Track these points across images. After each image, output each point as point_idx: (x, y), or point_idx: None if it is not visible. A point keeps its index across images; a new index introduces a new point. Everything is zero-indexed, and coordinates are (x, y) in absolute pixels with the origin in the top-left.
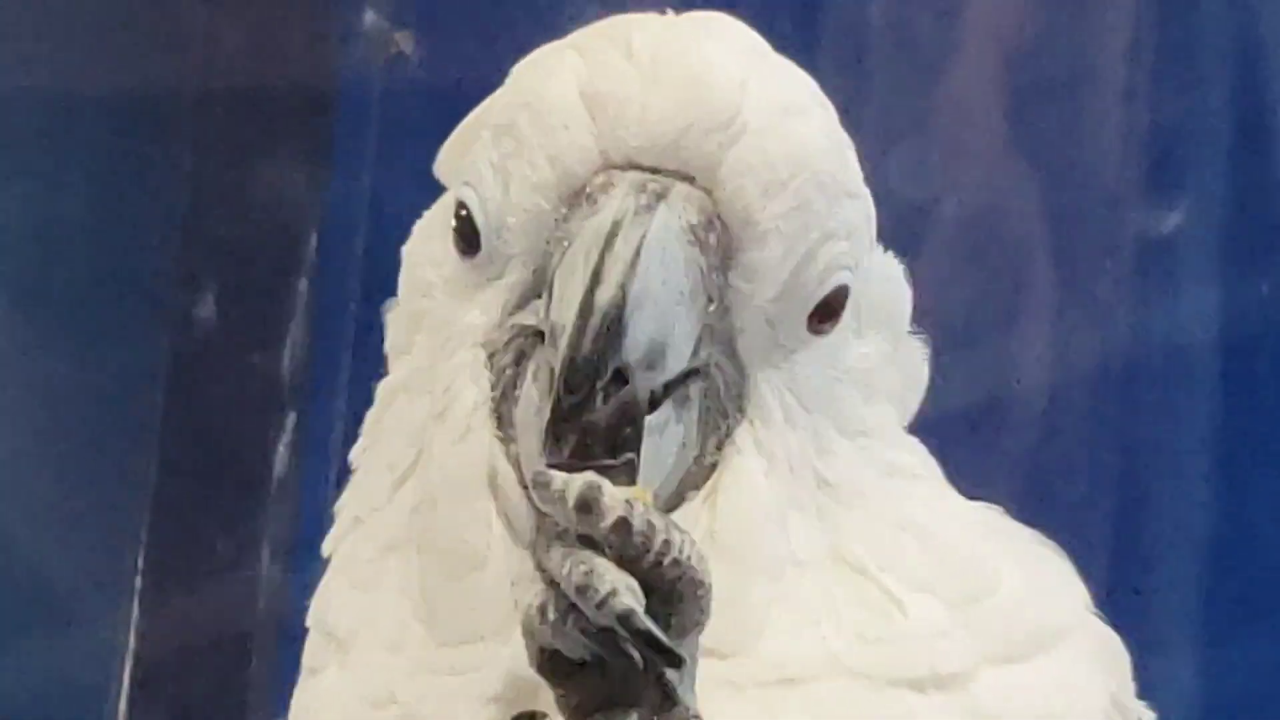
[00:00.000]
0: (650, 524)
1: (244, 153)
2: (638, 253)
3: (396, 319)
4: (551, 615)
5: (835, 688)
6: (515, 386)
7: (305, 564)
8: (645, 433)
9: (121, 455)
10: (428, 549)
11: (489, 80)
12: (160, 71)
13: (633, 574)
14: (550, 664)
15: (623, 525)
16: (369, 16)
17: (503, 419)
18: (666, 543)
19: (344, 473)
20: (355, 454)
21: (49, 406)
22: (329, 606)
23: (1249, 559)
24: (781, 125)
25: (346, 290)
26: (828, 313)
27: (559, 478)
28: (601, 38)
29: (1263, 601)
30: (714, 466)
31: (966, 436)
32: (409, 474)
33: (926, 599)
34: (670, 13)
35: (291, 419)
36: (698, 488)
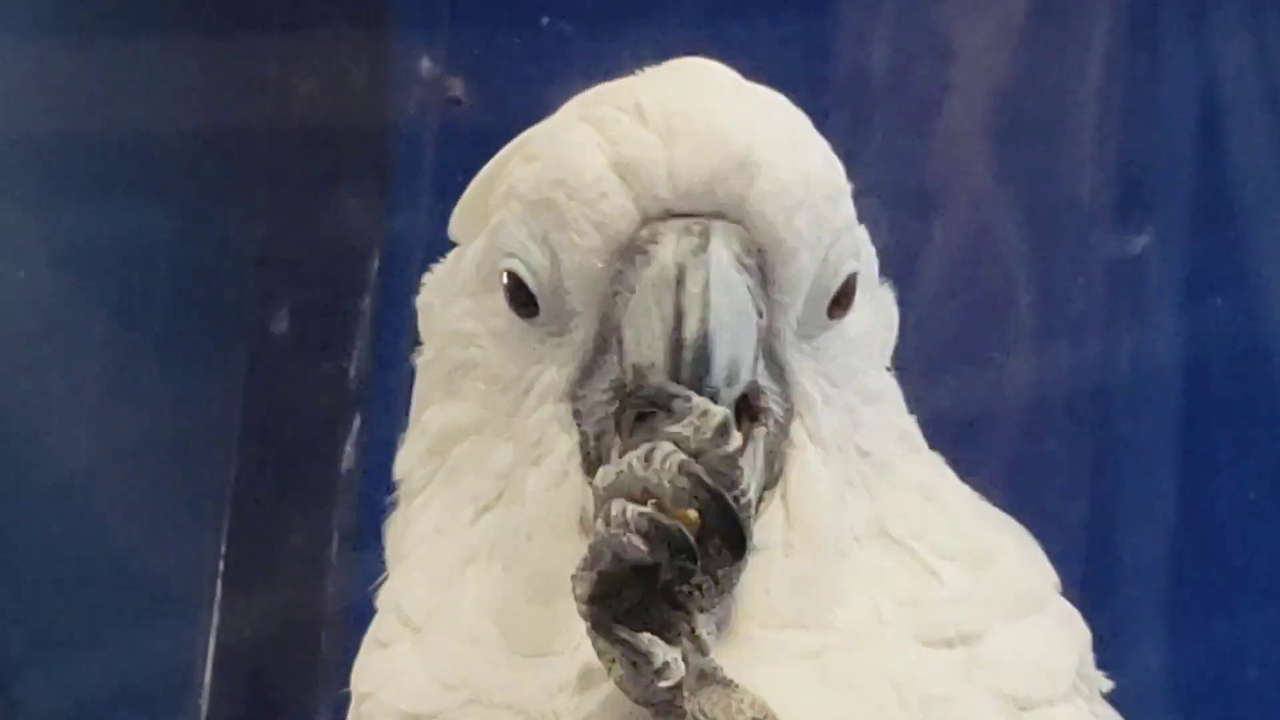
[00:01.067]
0: (739, 452)
1: (314, 186)
2: (706, 287)
3: (431, 365)
4: (628, 514)
5: (880, 650)
6: (606, 444)
7: (369, 551)
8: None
9: (206, 456)
10: (517, 573)
11: (530, 120)
12: (241, 116)
13: (716, 503)
14: (595, 599)
15: (726, 428)
16: (425, 64)
17: (589, 468)
18: (742, 477)
19: None
20: (405, 467)
21: (141, 413)
22: (405, 595)
23: (1207, 553)
24: (789, 155)
25: (405, 308)
26: (845, 301)
27: (694, 397)
28: (610, 106)
29: (1220, 590)
30: (779, 466)
31: (955, 442)
32: (492, 505)
33: (952, 567)
34: (652, 66)
35: (357, 421)
36: (770, 487)
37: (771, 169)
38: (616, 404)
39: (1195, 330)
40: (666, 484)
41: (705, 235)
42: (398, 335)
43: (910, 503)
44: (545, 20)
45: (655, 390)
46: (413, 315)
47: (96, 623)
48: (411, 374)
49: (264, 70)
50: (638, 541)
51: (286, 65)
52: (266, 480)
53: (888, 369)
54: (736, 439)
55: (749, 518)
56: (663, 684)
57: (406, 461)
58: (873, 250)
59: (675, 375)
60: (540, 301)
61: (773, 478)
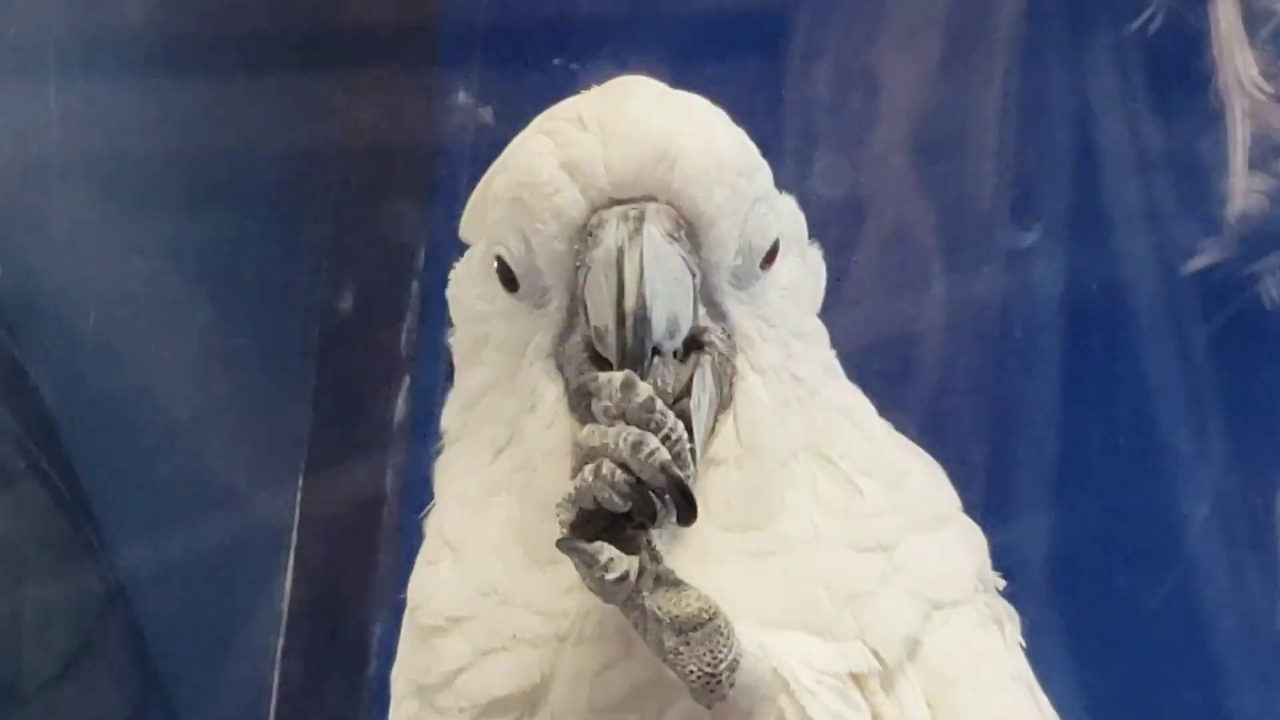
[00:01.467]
0: (665, 411)
1: (373, 194)
2: (641, 264)
3: (460, 341)
4: (609, 474)
5: (810, 552)
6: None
7: (415, 487)
8: (694, 376)
9: (286, 410)
10: (528, 498)
11: None
12: (314, 138)
13: (671, 481)
14: (578, 526)
15: (650, 402)
16: (461, 96)
17: (574, 407)
18: (674, 423)
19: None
20: (447, 421)
21: (234, 375)
22: (445, 522)
23: (1084, 477)
24: (701, 141)
25: (444, 287)
26: (771, 255)
27: (605, 375)
28: (559, 120)
29: (1093, 484)
30: (728, 393)
31: (877, 377)
32: (505, 447)
33: (872, 484)
34: (597, 86)
35: (406, 382)
36: (724, 410)
37: (687, 156)
38: (587, 355)
39: (1071, 302)
40: (643, 466)
41: (640, 218)
42: (439, 314)
43: (837, 423)
44: (557, 61)
45: (580, 383)
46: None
47: (192, 554)
48: (447, 347)
49: (333, 101)
50: (617, 497)
51: (351, 97)
52: (334, 429)
53: (817, 315)
54: (644, 388)
55: (680, 455)
56: (609, 578)
57: (447, 417)
58: (801, 215)
59: (622, 337)
60: (521, 281)
61: (724, 400)
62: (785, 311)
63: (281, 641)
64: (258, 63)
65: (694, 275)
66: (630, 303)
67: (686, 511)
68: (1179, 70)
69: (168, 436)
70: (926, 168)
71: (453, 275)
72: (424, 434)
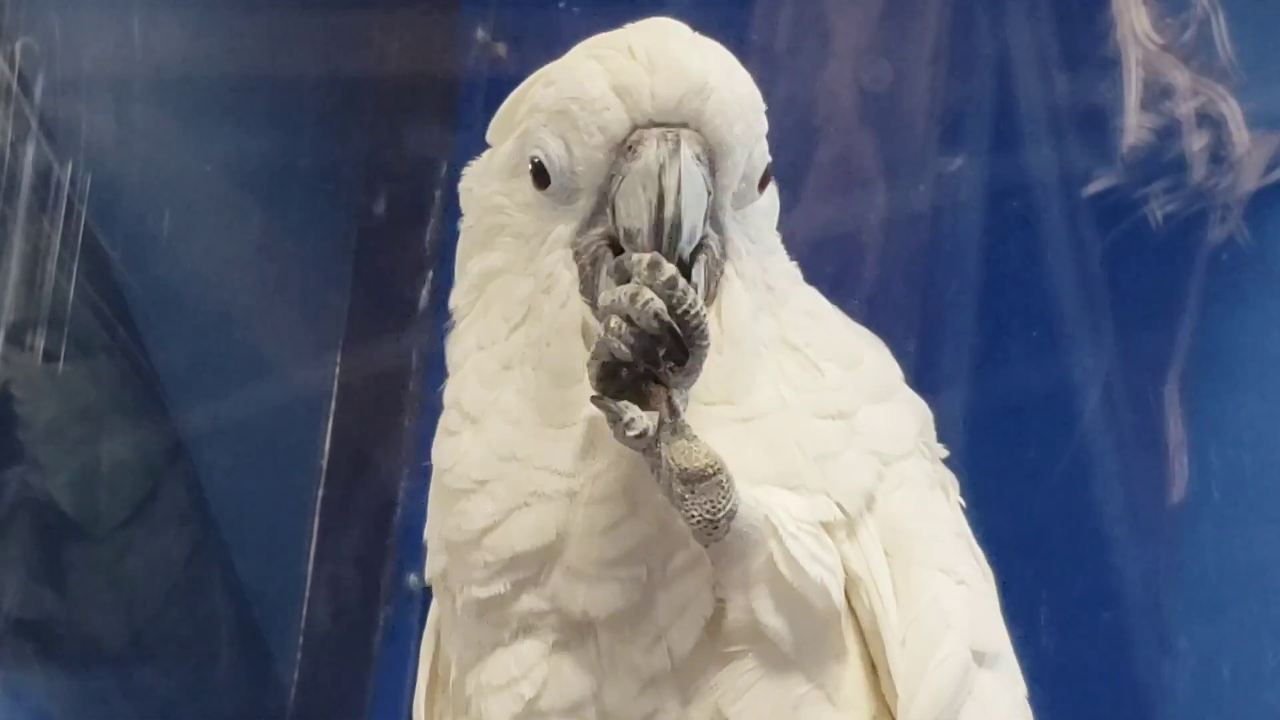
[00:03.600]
0: (687, 288)
1: (403, 114)
2: (678, 182)
3: (471, 229)
4: (616, 327)
5: (784, 419)
6: (595, 274)
7: (437, 364)
8: (692, 273)
9: (329, 295)
10: (542, 369)
11: None
12: (354, 66)
13: (671, 317)
14: (603, 380)
15: (674, 280)
16: (480, 33)
17: (585, 291)
18: (694, 301)
19: None
20: (455, 300)
21: (286, 267)
22: (462, 394)
23: (999, 364)
24: (729, 83)
25: None
26: (764, 182)
27: (636, 255)
28: (609, 49)
29: (1006, 369)
30: (715, 291)
31: (828, 276)
32: (521, 324)
33: (831, 366)
34: (639, 22)
35: (430, 274)
36: (709, 304)
37: (719, 93)
38: (600, 246)
39: (991, 220)
40: (640, 314)
41: (677, 141)
42: (456, 216)
43: (802, 321)
44: (562, 4)
45: (620, 260)
46: None
47: (244, 418)
48: None
49: (369, 35)
50: (624, 346)
51: (386, 32)
52: (368, 313)
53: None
54: (668, 267)
55: (699, 327)
56: (630, 434)
57: (455, 298)
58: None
59: (657, 238)
60: (554, 180)
61: (710, 297)
62: (763, 231)
63: (321, 492)
64: (306, 3)
65: (709, 194)
66: (669, 211)
67: (680, 355)
68: (1083, 23)
69: (225, 317)
70: (869, 102)
71: (467, 172)
72: (444, 318)
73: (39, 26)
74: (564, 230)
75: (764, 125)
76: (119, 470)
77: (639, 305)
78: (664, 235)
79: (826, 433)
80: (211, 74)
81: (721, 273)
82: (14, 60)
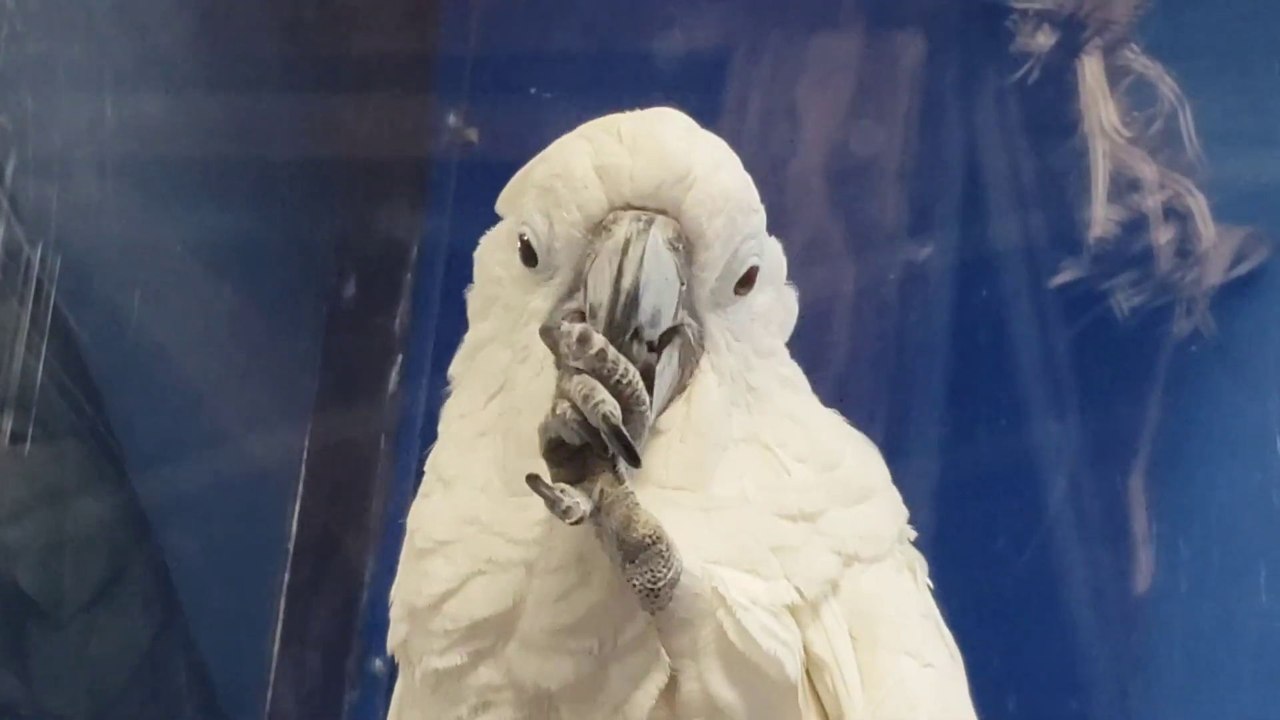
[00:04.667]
0: (618, 359)
1: (374, 198)
2: (642, 257)
3: (475, 296)
4: (564, 414)
5: (743, 513)
6: None
7: (405, 441)
8: (661, 360)
9: (296, 379)
10: (511, 438)
11: (520, 158)
12: (325, 148)
13: (606, 388)
14: (551, 451)
15: (602, 353)
16: (451, 118)
17: (558, 365)
18: (626, 370)
19: (431, 391)
20: (454, 368)
21: (252, 350)
22: (439, 459)
23: (965, 453)
24: (715, 175)
25: (434, 279)
26: (746, 283)
27: (569, 325)
28: (600, 130)
29: (972, 459)
30: (688, 382)
31: (799, 351)
32: (497, 394)
33: (802, 468)
34: (638, 110)
35: (399, 357)
36: (680, 392)
37: (702, 184)
38: (573, 318)
39: (959, 309)
40: (590, 413)
41: (649, 222)
42: (429, 302)
43: (781, 423)
44: (533, 90)
45: (549, 324)
46: (438, 288)
47: (212, 500)
48: (437, 328)
49: (342, 119)
50: (570, 431)
51: (358, 116)
52: (337, 394)
53: (786, 344)
54: (598, 340)
55: (634, 395)
56: (567, 520)
57: (455, 364)
58: (783, 258)
59: (612, 312)
60: (539, 256)
61: (681, 386)
62: (753, 332)
63: (287, 575)
64: (278, 84)
65: (682, 284)
66: (626, 282)
67: (626, 455)
68: (1052, 115)
69: (194, 398)
70: (839, 190)
71: (482, 241)
72: (413, 403)
73: (11, 105)
74: (541, 304)
75: (754, 225)
76: (84, 552)
77: (590, 405)
78: (618, 306)
79: (787, 530)
80: (183, 154)
81: (697, 364)
82: None
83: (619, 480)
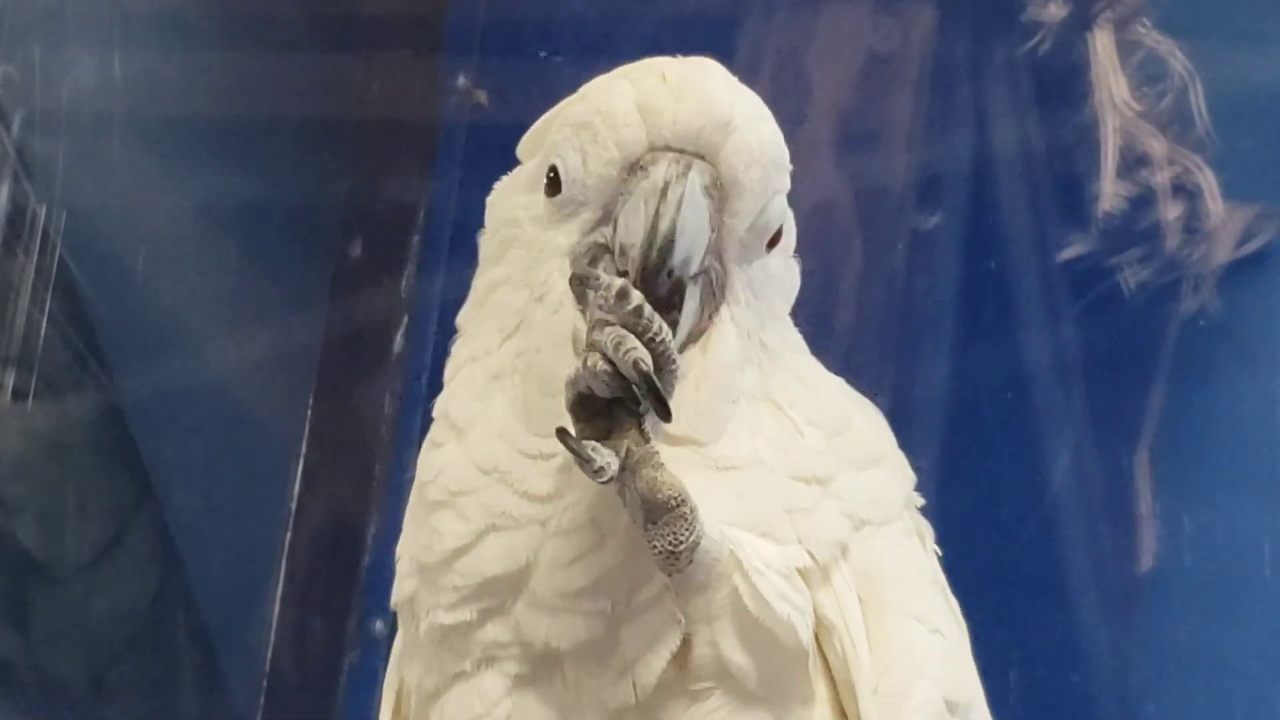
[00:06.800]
0: (653, 316)
1: (383, 159)
2: (680, 201)
3: (488, 241)
4: (595, 365)
5: (757, 474)
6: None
7: (412, 398)
8: (685, 300)
9: (302, 339)
10: (530, 377)
11: (528, 119)
12: (336, 110)
13: (642, 377)
14: (578, 405)
15: (640, 308)
16: (461, 80)
17: (577, 299)
18: (660, 328)
19: (437, 353)
20: (461, 318)
21: (263, 308)
22: (450, 405)
23: (971, 424)
24: (755, 126)
25: (441, 241)
26: (775, 239)
27: (608, 278)
28: (644, 71)
29: (978, 430)
30: (706, 329)
31: (803, 331)
32: (513, 334)
33: (813, 430)
34: (679, 57)
35: (405, 319)
36: (696, 341)
37: (741, 133)
38: (595, 249)
39: (966, 280)
40: (621, 361)
41: (688, 166)
42: (436, 263)
43: (792, 384)
44: (543, 54)
45: (584, 272)
46: (446, 246)
47: (214, 460)
48: (443, 290)
49: (353, 80)
50: (600, 384)
51: (369, 78)
52: (342, 356)
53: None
54: (636, 296)
55: (666, 353)
56: (598, 478)
57: (462, 314)
58: (794, 229)
59: (648, 254)
60: (565, 189)
61: (700, 331)
62: (769, 293)
63: (289, 536)
64: (290, 45)
65: (713, 231)
66: (664, 225)
67: (658, 405)
68: (1062, 88)
69: (198, 358)
70: (849, 160)
71: (497, 186)
72: (419, 365)
73: (18, 57)
74: (562, 240)
75: (785, 183)
76: (85, 510)
77: (621, 353)
78: (654, 248)
79: (800, 492)
80: (191, 113)
81: (717, 312)
82: None
83: (645, 438)
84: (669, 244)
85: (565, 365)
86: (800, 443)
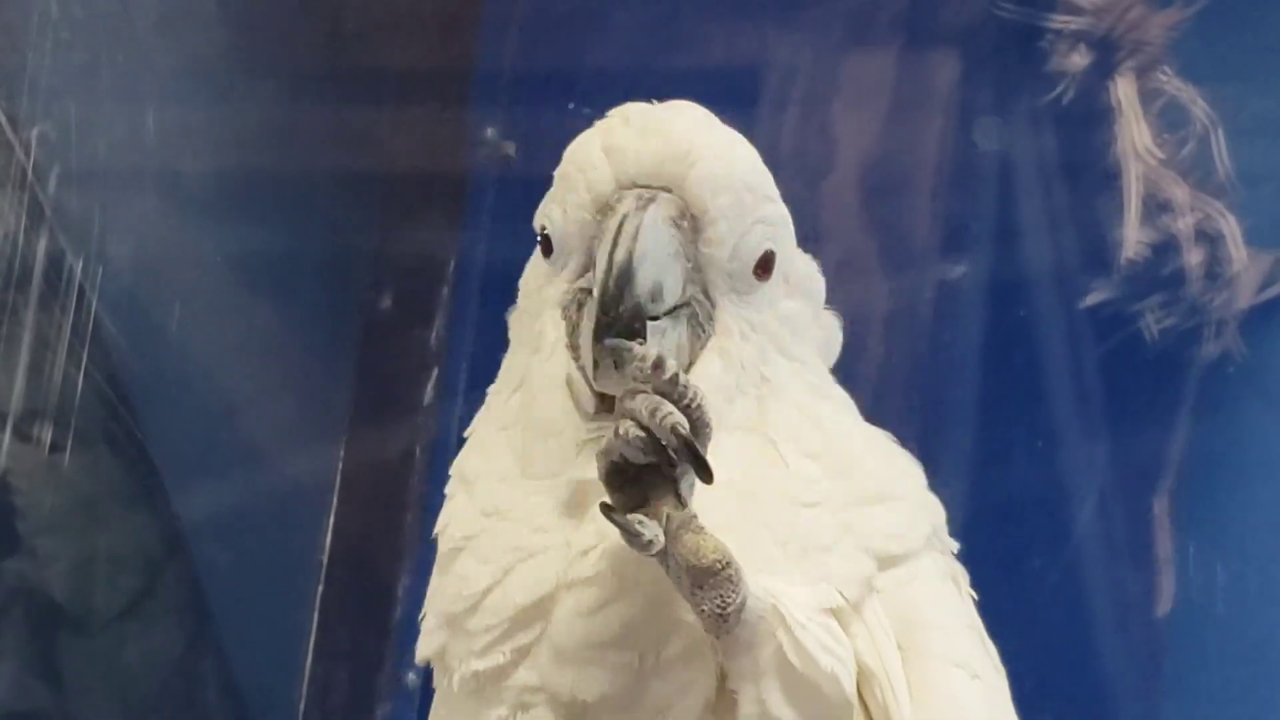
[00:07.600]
0: (688, 383)
1: (412, 211)
2: (637, 231)
3: (517, 318)
4: (628, 433)
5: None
6: (578, 325)
7: (443, 450)
8: (649, 333)
9: (333, 391)
10: (527, 424)
11: None
12: (366, 163)
13: (682, 442)
14: (611, 475)
15: (676, 378)
16: (489, 132)
17: (572, 347)
18: (695, 393)
19: (466, 405)
20: (491, 391)
21: (293, 360)
22: (463, 461)
23: (996, 471)
24: (719, 154)
25: (470, 292)
26: (765, 268)
27: (641, 350)
28: (612, 116)
29: (1002, 477)
30: (692, 359)
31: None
32: (518, 388)
33: (808, 462)
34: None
35: (435, 372)
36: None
37: (706, 162)
38: (581, 294)
39: (991, 328)
40: (658, 428)
41: (650, 199)
42: (465, 315)
43: (793, 418)
44: (571, 105)
45: (616, 344)
46: (475, 301)
47: (246, 512)
48: (473, 342)
49: (381, 132)
50: (635, 450)
51: (397, 129)
52: (373, 408)
53: (831, 371)
54: (671, 365)
55: (701, 418)
56: (648, 554)
57: (493, 388)
58: (820, 277)
59: (605, 285)
60: (554, 245)
61: (684, 365)
62: (776, 331)
63: (321, 588)
64: (319, 98)
65: (688, 261)
66: (620, 256)
67: (698, 467)
68: (1085, 136)
69: (230, 409)
70: (874, 208)
71: (530, 263)
72: (448, 417)
73: (55, 114)
74: (554, 292)
75: (767, 211)
76: (117, 562)
77: (658, 419)
78: (610, 279)
79: (807, 522)
80: (223, 167)
81: (702, 344)
82: (29, 147)
83: (682, 503)
84: (625, 273)
85: (558, 409)
86: (782, 470)
